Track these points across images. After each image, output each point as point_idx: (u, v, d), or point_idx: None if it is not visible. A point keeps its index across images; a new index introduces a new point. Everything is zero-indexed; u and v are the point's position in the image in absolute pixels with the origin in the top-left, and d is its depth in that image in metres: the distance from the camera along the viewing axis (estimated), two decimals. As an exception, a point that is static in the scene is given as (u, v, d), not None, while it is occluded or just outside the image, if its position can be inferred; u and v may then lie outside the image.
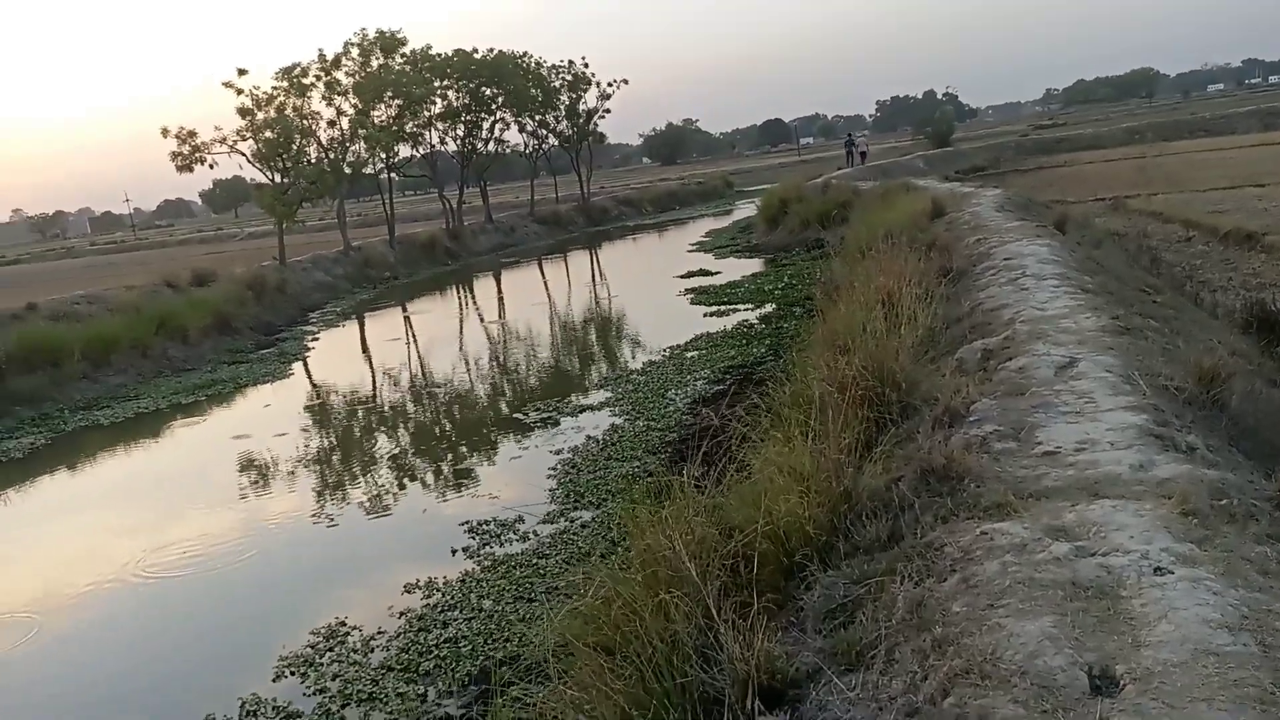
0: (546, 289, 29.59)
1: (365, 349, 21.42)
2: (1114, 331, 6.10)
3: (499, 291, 31.15)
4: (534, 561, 7.59)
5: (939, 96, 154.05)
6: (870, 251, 12.28)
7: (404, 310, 27.69)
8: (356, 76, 35.22)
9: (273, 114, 30.00)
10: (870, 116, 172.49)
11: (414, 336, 22.29)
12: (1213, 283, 13.23)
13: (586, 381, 14.22)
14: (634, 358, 15.76)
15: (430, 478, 10.64)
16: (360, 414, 14.74)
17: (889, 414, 5.73)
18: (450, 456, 11.33)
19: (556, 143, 49.91)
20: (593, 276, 31.37)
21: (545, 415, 12.47)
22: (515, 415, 12.82)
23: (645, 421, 11.32)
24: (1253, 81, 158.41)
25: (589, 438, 10.97)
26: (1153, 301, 8.70)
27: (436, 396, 15.35)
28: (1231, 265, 14.34)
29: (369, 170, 36.03)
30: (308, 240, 43.00)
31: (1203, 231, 17.75)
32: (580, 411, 12.42)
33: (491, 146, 43.82)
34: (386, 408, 15.20)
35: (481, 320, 24.39)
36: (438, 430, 13.27)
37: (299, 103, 32.15)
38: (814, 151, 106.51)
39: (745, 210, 45.45)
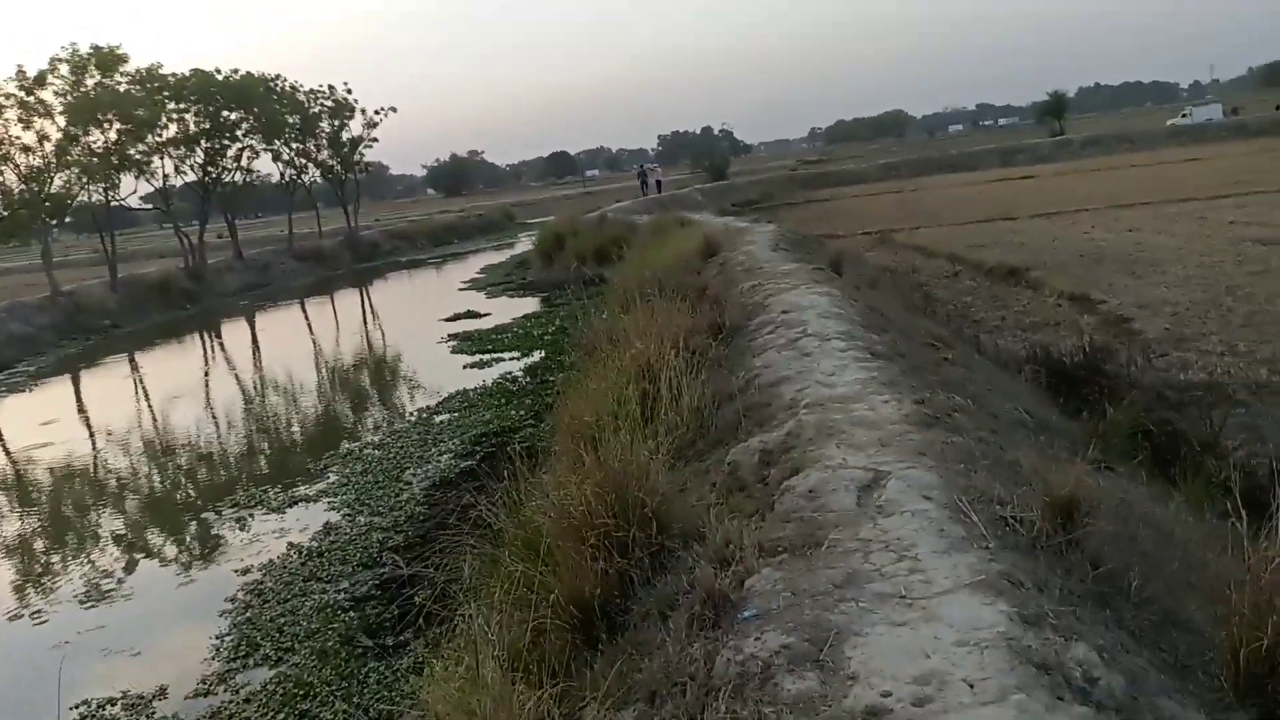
0: (287, 339, 26.25)
1: (32, 425, 17.26)
2: (921, 423, 4.65)
3: (218, 344, 27.47)
4: (152, 779, 5.21)
5: (715, 132, 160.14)
6: (638, 298, 10.72)
7: (131, 366, 23.66)
8: (68, 96, 30.43)
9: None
10: (653, 150, 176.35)
11: (111, 403, 18.62)
12: (987, 323, 12.72)
13: (311, 461, 11.70)
14: (375, 425, 13.41)
15: (49, 626, 7.76)
16: None
17: (635, 566, 3.95)
18: (89, 591, 8.41)
19: (319, 173, 46.06)
20: (345, 322, 28.37)
21: (245, 511, 9.92)
22: (206, 514, 10.15)
23: (369, 517, 9.10)
24: (986, 123, 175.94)
25: (291, 545, 8.59)
26: (945, 359, 7.56)
27: (107, 492, 12.21)
28: (1001, 303, 14.01)
29: (83, 200, 31.08)
30: (28, 282, 36.95)
31: (968, 267, 17.72)
32: (292, 504, 9.96)
33: (238, 176, 39.50)
34: (26, 511, 11.76)
35: (203, 379, 20.74)
36: (90, 545, 10.03)
37: (-13, 125, 27.17)
38: (599, 183, 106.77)
39: (526, 244, 43.63)
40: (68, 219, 35.82)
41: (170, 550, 9.26)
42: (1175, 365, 9.40)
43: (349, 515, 9.24)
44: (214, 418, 15.60)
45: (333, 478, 10.67)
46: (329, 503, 9.77)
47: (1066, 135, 64.03)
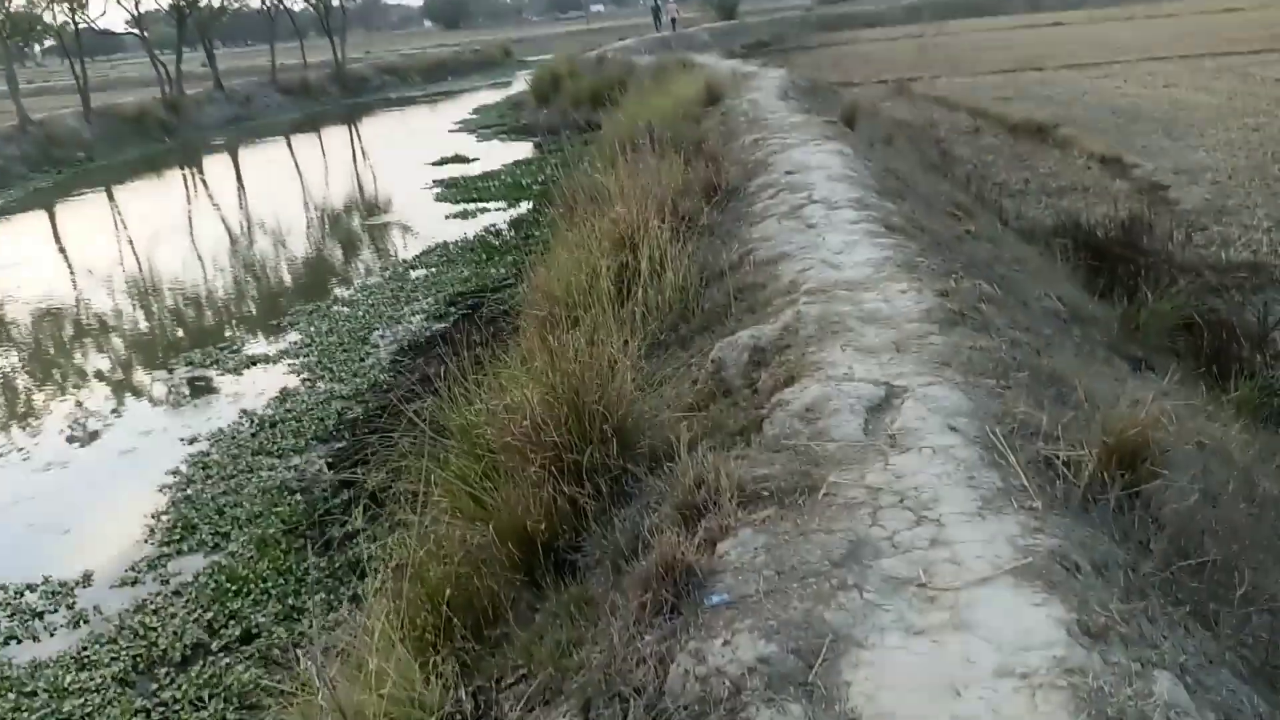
0: (264, 180, 24.94)
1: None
2: (944, 321, 3.87)
3: (194, 182, 26.21)
4: (49, 688, 4.69)
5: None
6: (629, 150, 9.70)
7: (104, 202, 22.54)
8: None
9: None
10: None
11: (77, 243, 17.70)
12: (1010, 185, 11.71)
13: (276, 316, 10.97)
14: (347, 279, 12.58)
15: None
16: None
17: (590, 496, 3.25)
18: (23, 454, 7.79)
19: (302, -2, 43.14)
20: (327, 162, 26.99)
21: (201, 371, 9.26)
22: (159, 372, 9.49)
23: (330, 383, 8.44)
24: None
25: (244, 413, 7.96)
26: (967, 232, 6.70)
27: (58, 342, 11.47)
28: (1026, 163, 12.91)
29: (48, 21, 29.02)
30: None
31: (990, 121, 16.45)
32: (250, 365, 9.28)
33: (215, 1, 36.90)
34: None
35: (173, 221, 19.20)
36: (31, 401, 9.36)
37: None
38: (604, 19, 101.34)
39: (524, 83, 41.30)
40: (47, 43, 33.42)
41: (116, 412, 8.60)
42: (1216, 241, 8.53)
43: (309, 380, 8.58)
44: (180, 264, 14.69)
45: (296, 336, 9.96)
46: (289, 365, 9.09)
47: (1100, -21, 59.85)
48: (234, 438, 7.47)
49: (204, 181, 25.81)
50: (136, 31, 35.48)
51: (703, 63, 21.83)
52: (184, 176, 27.01)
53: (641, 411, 3.58)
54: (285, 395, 8.25)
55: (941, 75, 23.88)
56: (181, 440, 7.56)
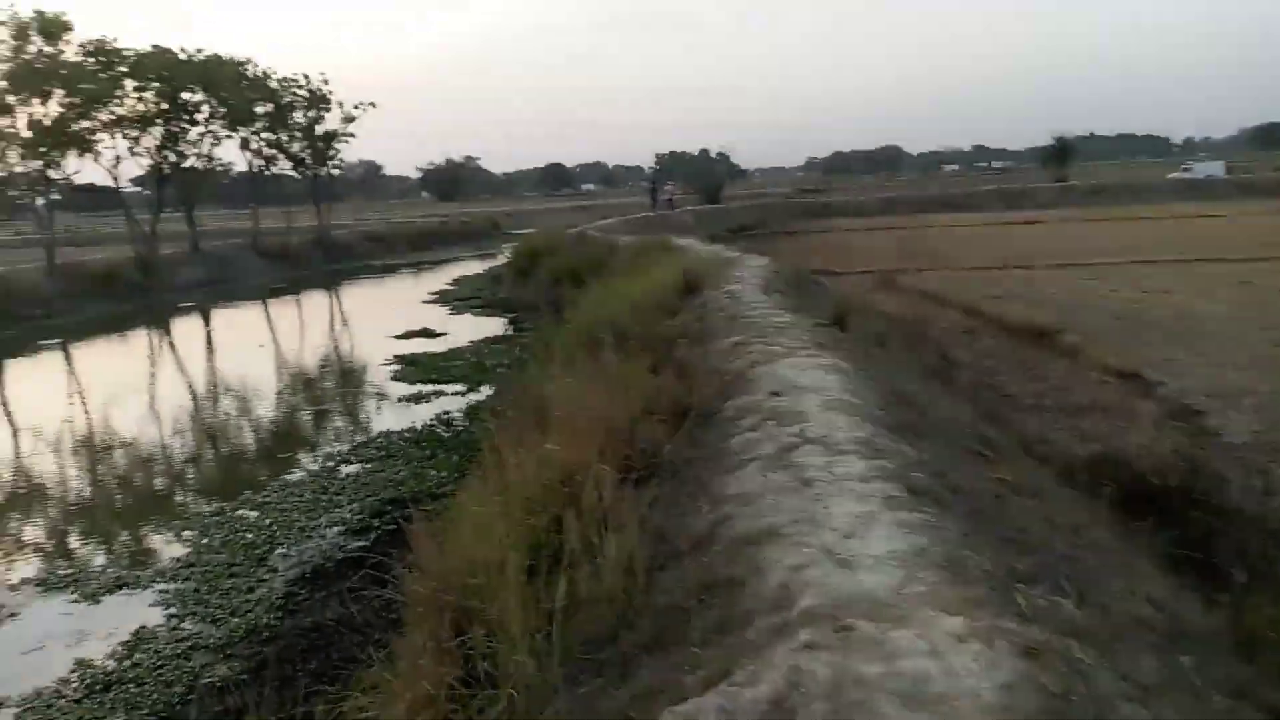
0: (223, 347, 23.79)
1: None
2: (1040, 711, 2.37)
3: (147, 348, 25.04)
4: None
5: (713, 155, 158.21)
6: (588, 353, 8.48)
7: (40, 365, 21.15)
8: (11, 64, 28.04)
9: None
10: (650, 168, 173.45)
11: None
12: (1020, 399, 10.49)
13: (169, 521, 9.32)
14: (266, 475, 10.97)
15: None
16: None
17: None
18: None
19: (290, 165, 43.55)
20: (293, 331, 25.97)
21: (51, 594, 7.55)
22: (5, 594, 7.73)
23: (199, 624, 6.74)
24: (980, 165, 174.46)
25: (78, 664, 6.22)
26: (1001, 481, 5.30)
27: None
28: (1033, 373, 11.77)
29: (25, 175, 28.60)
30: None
31: (986, 322, 15.52)
32: (116, 588, 7.56)
33: (197, 163, 36.95)
34: None
35: (97, 395, 17.69)
36: None
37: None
38: (595, 197, 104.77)
39: (508, 256, 41.35)
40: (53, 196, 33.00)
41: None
42: (1280, 486, 7.17)
43: (175, 617, 6.87)
44: (87, 448, 13.07)
45: (183, 549, 8.30)
46: (160, 592, 7.39)
47: (1071, 182, 62.27)
48: (52, 707, 5.70)
49: (155, 347, 24.63)
50: (114, 186, 35.28)
51: (684, 245, 21.25)
52: (143, 339, 25.88)
53: None
54: (139, 640, 6.52)
55: (926, 268, 23.42)
56: (-13, 709, 5.78)
